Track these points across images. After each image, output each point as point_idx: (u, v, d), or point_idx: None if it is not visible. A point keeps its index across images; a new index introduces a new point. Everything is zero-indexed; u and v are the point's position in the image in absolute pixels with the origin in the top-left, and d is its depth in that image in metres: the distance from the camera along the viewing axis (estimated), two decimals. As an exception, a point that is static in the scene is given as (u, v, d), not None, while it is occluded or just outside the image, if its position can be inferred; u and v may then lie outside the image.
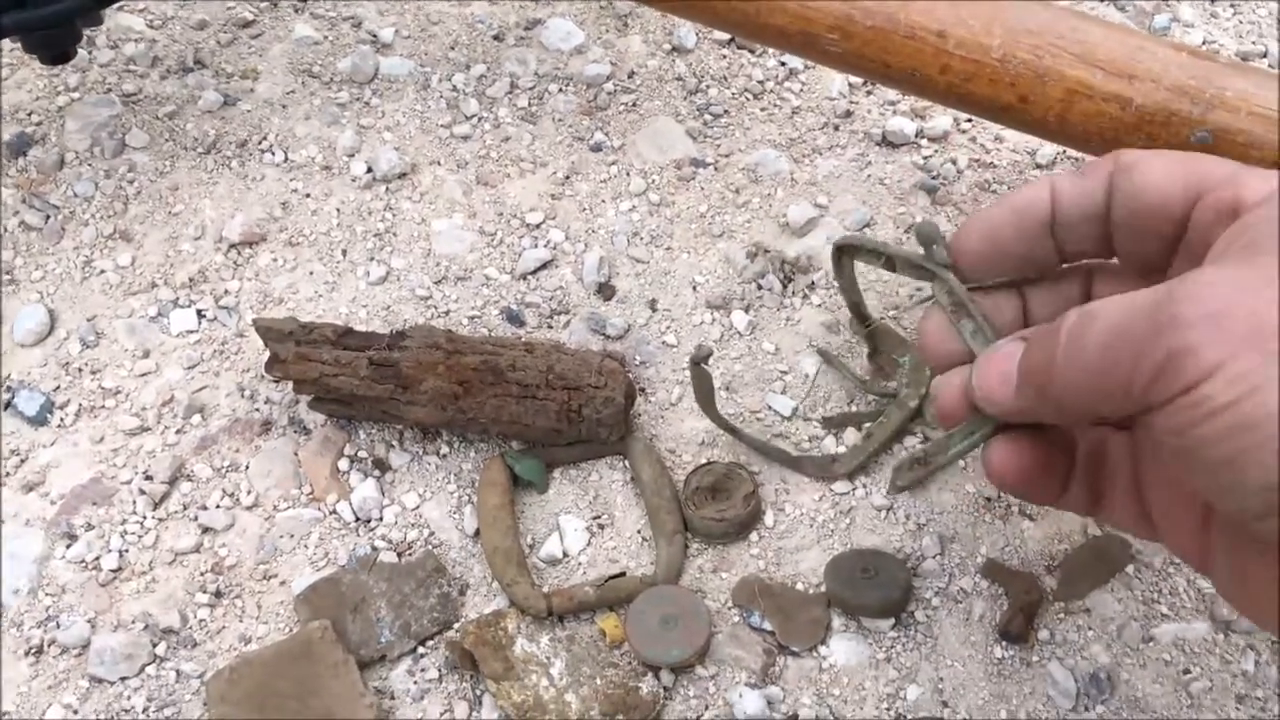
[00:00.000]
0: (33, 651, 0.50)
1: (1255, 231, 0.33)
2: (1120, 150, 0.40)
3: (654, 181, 0.65)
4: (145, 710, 0.49)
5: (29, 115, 0.68)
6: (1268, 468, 0.29)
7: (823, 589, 0.51)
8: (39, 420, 0.56)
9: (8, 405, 0.57)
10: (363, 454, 0.55)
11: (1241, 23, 0.72)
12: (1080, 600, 0.51)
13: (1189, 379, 0.30)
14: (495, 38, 0.72)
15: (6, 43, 0.69)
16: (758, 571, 0.52)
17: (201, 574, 0.52)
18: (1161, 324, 0.31)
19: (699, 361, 0.52)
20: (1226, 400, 0.30)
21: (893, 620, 0.50)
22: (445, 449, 0.56)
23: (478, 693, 0.49)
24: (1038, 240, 0.41)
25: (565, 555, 0.53)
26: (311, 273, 0.62)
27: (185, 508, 0.54)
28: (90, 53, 0.70)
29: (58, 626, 0.51)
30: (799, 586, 0.52)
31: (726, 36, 0.71)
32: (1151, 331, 0.32)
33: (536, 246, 0.62)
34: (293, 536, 0.53)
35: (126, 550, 0.53)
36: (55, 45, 0.57)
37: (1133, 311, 0.33)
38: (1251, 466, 0.30)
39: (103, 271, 0.61)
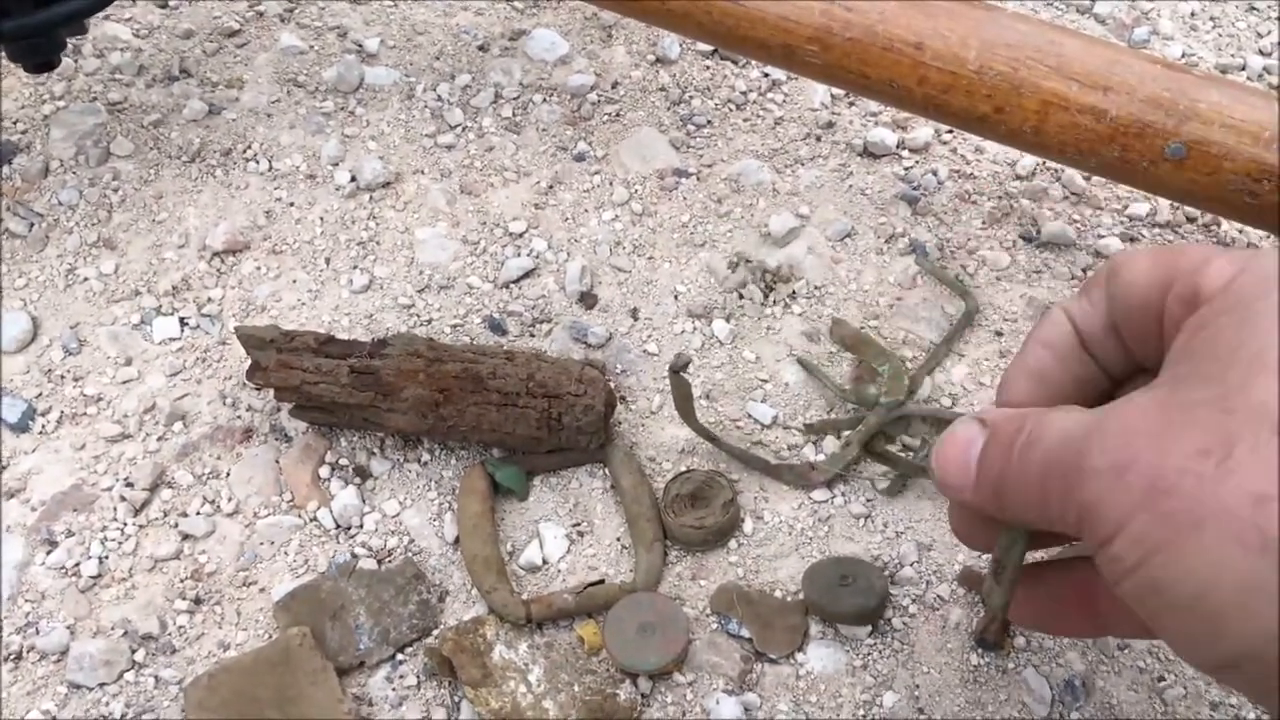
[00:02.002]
0: (11, 657, 0.50)
1: (1198, 341, 0.31)
2: (1115, 255, 0.37)
3: (637, 191, 0.66)
4: (124, 716, 0.49)
5: (14, 123, 0.68)
6: (1191, 635, 0.28)
7: (800, 596, 0.51)
8: (21, 427, 0.56)
9: (-11, 412, 0.57)
10: (344, 461, 0.56)
11: (1220, 35, 0.73)
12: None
13: (1101, 535, 0.30)
14: (480, 48, 0.72)
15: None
16: (736, 579, 0.52)
17: (181, 581, 0.52)
18: (1077, 469, 0.30)
19: (678, 369, 0.52)
20: (1133, 562, 0.29)
21: (869, 627, 0.51)
22: (426, 456, 0.56)
23: (456, 699, 0.49)
24: (1080, 365, 0.38)
25: (545, 562, 0.53)
26: (295, 281, 0.62)
27: (166, 515, 0.54)
28: (76, 61, 0.71)
29: (37, 632, 0.51)
30: (777, 594, 0.52)
31: (710, 48, 0.72)
32: (1071, 473, 0.30)
33: (519, 255, 0.63)
34: (273, 543, 0.53)
35: (106, 557, 0.53)
36: (38, 54, 0.57)
37: (1065, 442, 0.31)
38: (1171, 628, 0.29)
39: (86, 279, 0.62)
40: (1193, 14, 0.74)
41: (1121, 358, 0.37)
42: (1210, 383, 0.29)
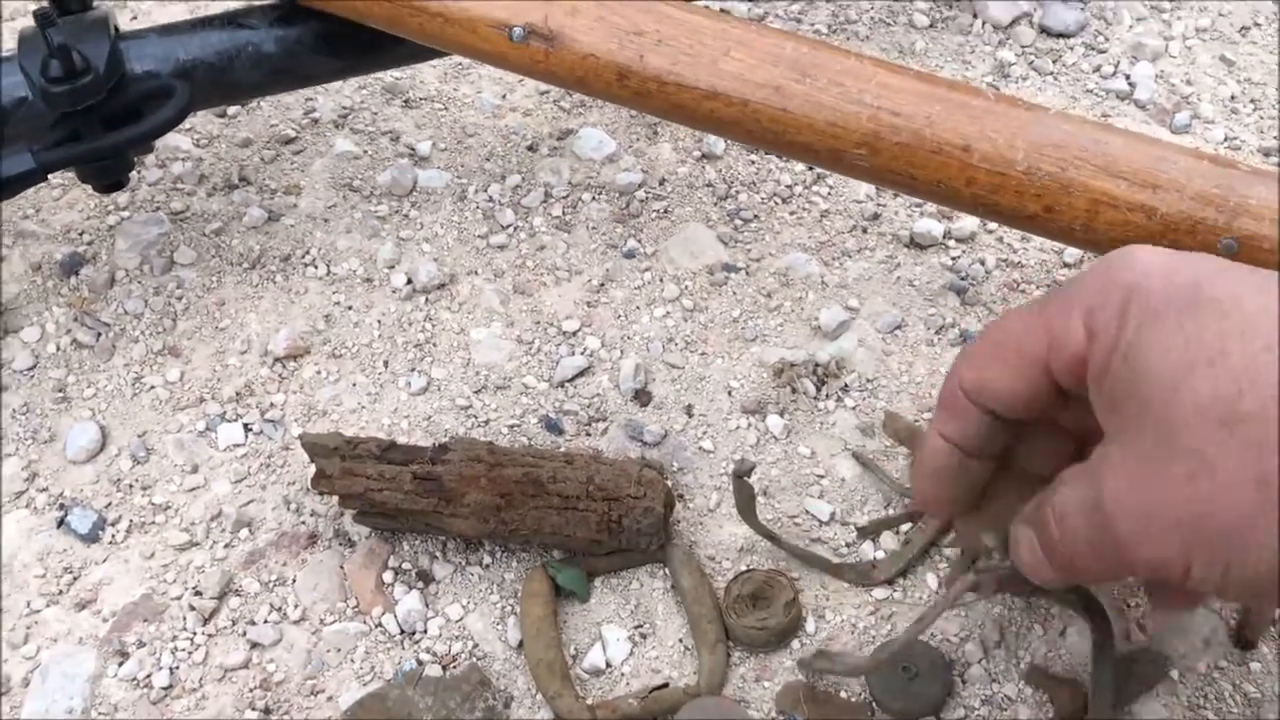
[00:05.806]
0: (86, 771, 0.51)
1: (1128, 401, 0.37)
2: (960, 374, 0.44)
3: (687, 287, 0.67)
4: (196, 830, 0.49)
5: (80, 234, 0.70)
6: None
7: (865, 697, 0.51)
8: (91, 538, 0.57)
9: (61, 523, 0.58)
10: (406, 566, 0.56)
11: (1262, 119, 0.74)
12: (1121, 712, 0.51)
13: (1176, 578, 0.36)
14: (529, 148, 0.74)
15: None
16: (800, 680, 0.52)
17: (250, 690, 0.53)
18: (1114, 540, 0.37)
19: (742, 474, 0.52)
20: (1216, 582, 0.36)
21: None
22: (488, 559, 0.56)
23: (524, 809, 0.49)
24: (975, 467, 0.46)
25: (608, 665, 0.53)
26: (354, 384, 0.63)
27: (234, 623, 0.55)
28: (139, 171, 0.73)
29: (110, 745, 0.51)
30: (842, 695, 0.52)
31: (754, 142, 0.73)
32: (1111, 544, 0.37)
33: (573, 354, 0.64)
34: (339, 651, 0.54)
35: (177, 667, 0.53)
36: (108, 175, 0.59)
37: (1088, 518, 0.38)
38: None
39: (152, 387, 0.63)
40: (1233, 97, 0.75)
41: (1004, 431, 0.44)
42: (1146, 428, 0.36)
